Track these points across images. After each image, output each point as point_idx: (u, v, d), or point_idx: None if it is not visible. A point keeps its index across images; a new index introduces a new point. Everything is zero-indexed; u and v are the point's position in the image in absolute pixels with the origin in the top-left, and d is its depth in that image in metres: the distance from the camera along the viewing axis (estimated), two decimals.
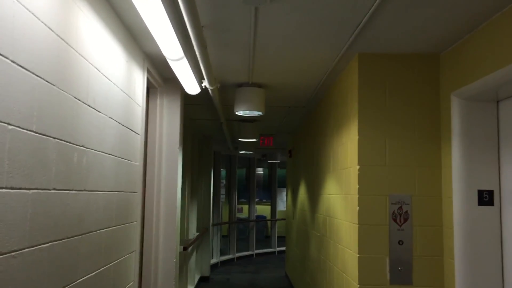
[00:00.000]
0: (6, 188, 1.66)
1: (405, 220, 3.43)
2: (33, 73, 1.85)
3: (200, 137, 8.80)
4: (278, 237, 14.01)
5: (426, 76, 3.53)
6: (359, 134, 3.53)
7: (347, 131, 3.88)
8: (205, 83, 3.95)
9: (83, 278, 2.47)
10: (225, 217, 13.29)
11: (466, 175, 3.14)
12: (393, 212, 3.43)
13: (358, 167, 3.50)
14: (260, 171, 16.66)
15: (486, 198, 3.09)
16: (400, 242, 3.40)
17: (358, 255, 3.43)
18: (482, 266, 3.07)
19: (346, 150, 3.91)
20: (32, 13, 1.84)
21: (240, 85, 4.71)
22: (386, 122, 3.52)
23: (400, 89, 3.54)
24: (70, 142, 2.23)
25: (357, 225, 3.45)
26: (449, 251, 3.29)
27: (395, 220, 3.42)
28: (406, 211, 3.43)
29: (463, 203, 3.14)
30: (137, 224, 3.64)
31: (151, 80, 4.10)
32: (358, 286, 3.41)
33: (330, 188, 4.71)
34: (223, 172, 12.96)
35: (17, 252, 1.75)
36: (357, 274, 3.42)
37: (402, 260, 3.40)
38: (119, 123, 3.06)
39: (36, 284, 1.93)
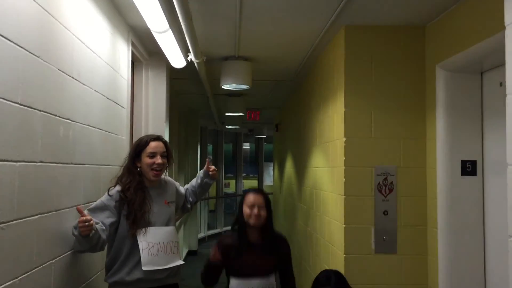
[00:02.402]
0: None
1: (390, 191, 3.48)
2: (17, 44, 1.83)
3: (186, 112, 8.76)
4: None
5: (412, 48, 3.54)
6: (345, 107, 3.54)
7: (334, 104, 3.90)
8: (191, 56, 3.93)
9: (73, 251, 2.48)
10: (212, 192, 13.35)
11: (450, 146, 3.19)
12: (379, 183, 3.48)
13: (344, 139, 3.53)
14: (247, 146, 16.67)
15: (469, 168, 3.15)
16: (385, 213, 3.46)
17: (344, 225, 3.49)
18: (464, 234, 3.15)
19: (333, 122, 3.93)
20: None
21: (226, 58, 4.68)
22: (372, 94, 3.54)
23: (386, 61, 3.55)
24: (56, 115, 2.22)
25: (343, 197, 3.50)
26: (432, 221, 3.36)
27: (380, 191, 3.48)
28: (391, 182, 3.49)
29: (447, 174, 3.19)
30: None
31: (136, 53, 4.05)
32: (344, 255, 3.47)
33: (317, 161, 4.75)
34: (210, 147, 12.96)
35: (6, 224, 1.76)
36: (343, 244, 3.48)
37: (387, 230, 3.47)
38: (104, 96, 3.03)
39: (26, 256, 1.95)
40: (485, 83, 3.14)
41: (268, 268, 2.94)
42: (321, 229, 4.46)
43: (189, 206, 3.13)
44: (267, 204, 2.97)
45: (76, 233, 2.36)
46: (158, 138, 2.80)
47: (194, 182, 3.12)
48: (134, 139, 4.28)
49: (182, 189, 3.05)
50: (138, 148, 2.74)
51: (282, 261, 3.03)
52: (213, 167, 3.06)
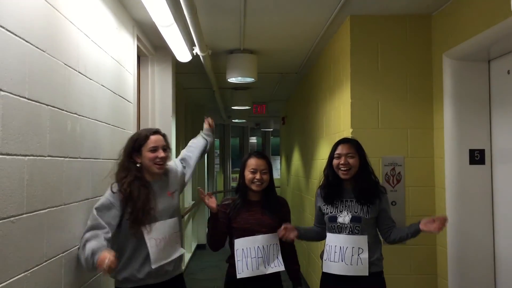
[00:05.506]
0: (1, 154, 1.67)
1: (398, 181, 3.47)
2: (23, 39, 1.84)
3: (192, 106, 8.76)
4: None
5: (418, 37, 3.52)
6: (351, 98, 3.53)
7: (340, 95, 3.89)
8: (196, 50, 3.92)
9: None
10: (220, 186, 13.38)
11: (458, 135, 3.17)
12: (386, 174, 3.48)
13: (351, 130, 3.52)
14: (253, 140, 16.67)
15: (477, 157, 3.13)
16: (393, 203, 3.45)
17: None
18: (473, 223, 3.13)
19: (339, 114, 3.92)
20: None
21: (232, 51, 4.68)
22: (378, 84, 3.52)
23: (392, 51, 3.53)
24: (63, 109, 2.23)
25: None
26: (441, 211, 3.35)
27: (388, 182, 3.47)
28: (399, 172, 3.48)
29: (455, 163, 3.18)
30: None
31: (141, 48, 4.06)
32: None
33: (324, 153, 4.74)
34: (216, 141, 12.97)
35: (16, 218, 1.77)
36: None
37: (395, 220, 3.44)
38: (111, 91, 3.04)
39: (37, 249, 1.96)
40: (492, 71, 3.12)
41: (273, 224, 2.84)
42: None
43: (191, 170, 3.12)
44: (270, 168, 2.90)
45: (90, 260, 2.32)
46: (157, 131, 2.74)
47: (193, 149, 3.13)
48: None
49: (180, 167, 2.98)
50: (137, 143, 2.65)
51: (284, 221, 2.92)
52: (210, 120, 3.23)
